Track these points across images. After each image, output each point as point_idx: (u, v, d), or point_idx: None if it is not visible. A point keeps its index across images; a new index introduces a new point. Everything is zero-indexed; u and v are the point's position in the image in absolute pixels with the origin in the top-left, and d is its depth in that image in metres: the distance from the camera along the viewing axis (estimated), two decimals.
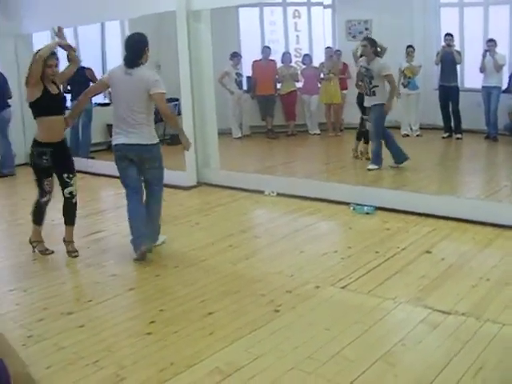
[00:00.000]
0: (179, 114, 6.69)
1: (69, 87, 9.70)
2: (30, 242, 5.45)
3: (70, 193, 5.26)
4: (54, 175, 5.25)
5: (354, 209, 6.41)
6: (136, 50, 5.05)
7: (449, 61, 10.07)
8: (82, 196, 8.13)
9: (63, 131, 5.28)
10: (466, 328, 3.64)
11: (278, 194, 7.18)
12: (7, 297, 4.46)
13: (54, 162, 5.15)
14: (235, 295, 4.32)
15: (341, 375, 3.18)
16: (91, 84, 9.67)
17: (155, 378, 3.22)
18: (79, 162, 9.38)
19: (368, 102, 8.07)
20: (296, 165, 9.66)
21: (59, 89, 5.30)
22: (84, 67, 9.82)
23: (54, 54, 5.07)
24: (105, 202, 7.97)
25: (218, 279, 4.68)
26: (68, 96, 9.88)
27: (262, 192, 7.25)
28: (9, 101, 9.36)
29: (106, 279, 4.76)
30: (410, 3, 11.23)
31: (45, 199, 5.26)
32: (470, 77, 10.58)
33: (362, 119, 8.58)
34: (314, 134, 11.72)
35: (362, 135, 8.68)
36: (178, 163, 7.49)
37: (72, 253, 5.31)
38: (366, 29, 11.91)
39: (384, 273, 4.64)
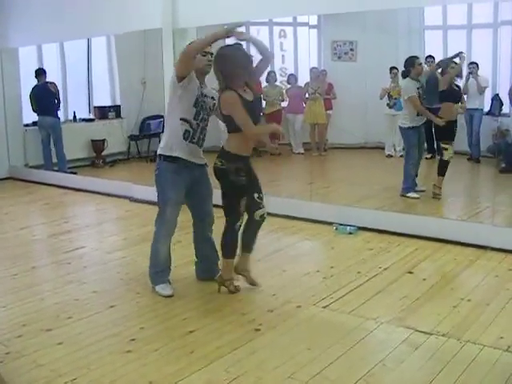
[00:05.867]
0: (163, 131, 6.68)
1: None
2: (223, 282, 4.71)
3: (261, 216, 4.76)
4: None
5: (336, 229, 6.42)
6: None
7: (432, 83, 10.14)
8: (64, 211, 8.16)
9: None
10: (447, 349, 3.65)
11: None
12: None
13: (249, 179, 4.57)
14: (216, 314, 4.30)
15: None
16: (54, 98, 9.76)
17: None
18: (60, 178, 9.44)
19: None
20: (279, 184, 9.65)
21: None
22: (48, 82, 9.86)
23: None
24: (87, 217, 7.91)
25: (200, 297, 4.65)
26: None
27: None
28: None
29: (86, 296, 4.72)
30: (395, 25, 11.31)
31: (239, 223, 4.66)
32: None
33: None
34: (298, 153, 11.73)
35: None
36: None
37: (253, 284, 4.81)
38: (351, 49, 12.02)
39: (366, 293, 4.64)
